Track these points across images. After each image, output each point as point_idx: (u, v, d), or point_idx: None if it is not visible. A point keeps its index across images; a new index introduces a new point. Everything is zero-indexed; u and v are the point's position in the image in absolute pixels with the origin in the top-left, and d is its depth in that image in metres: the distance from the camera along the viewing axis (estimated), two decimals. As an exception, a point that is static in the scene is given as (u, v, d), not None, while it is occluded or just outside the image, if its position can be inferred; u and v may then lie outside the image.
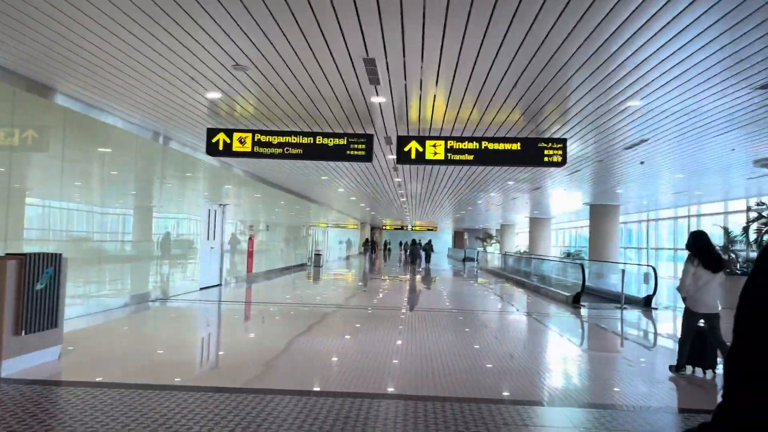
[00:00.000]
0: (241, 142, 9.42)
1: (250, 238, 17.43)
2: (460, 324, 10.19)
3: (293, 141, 9.39)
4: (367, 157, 9.43)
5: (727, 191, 18.49)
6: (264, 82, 7.43)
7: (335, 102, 8.31)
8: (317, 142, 9.39)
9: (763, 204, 13.50)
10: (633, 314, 12.05)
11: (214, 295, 13.21)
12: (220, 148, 9.47)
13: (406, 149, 9.42)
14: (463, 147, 9.36)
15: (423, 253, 38.38)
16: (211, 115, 9.48)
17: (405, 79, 7.01)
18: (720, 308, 6.24)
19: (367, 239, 47.72)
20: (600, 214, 23.13)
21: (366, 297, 14.52)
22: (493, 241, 49.01)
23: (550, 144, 9.28)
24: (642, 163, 12.24)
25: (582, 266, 12.74)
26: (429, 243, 39.78)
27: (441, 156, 9.39)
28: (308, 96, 8.06)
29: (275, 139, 9.40)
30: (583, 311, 12.33)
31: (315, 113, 9.02)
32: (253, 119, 9.61)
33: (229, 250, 16.13)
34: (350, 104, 8.42)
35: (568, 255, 30.47)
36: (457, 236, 63.52)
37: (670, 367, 6.51)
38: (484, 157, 9.34)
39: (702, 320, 6.28)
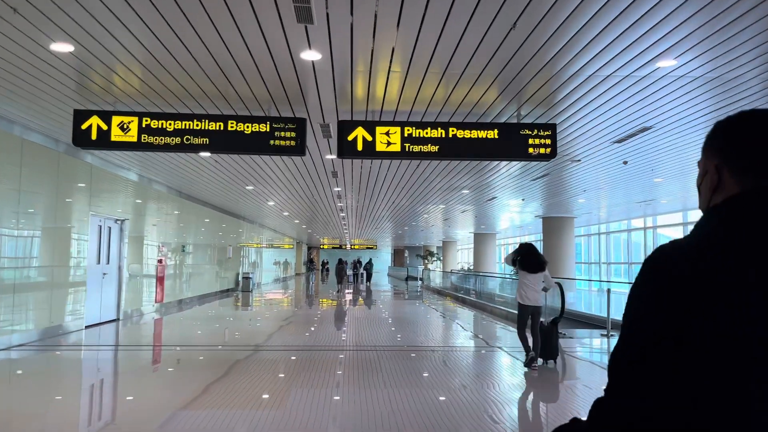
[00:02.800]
0: (124, 128, 6.86)
1: (159, 262, 14.57)
2: (414, 367, 7.87)
3: (197, 127, 6.91)
4: (299, 149, 7.06)
5: (686, 201, 17.27)
6: (152, 42, 4.97)
7: (253, 70, 5.93)
8: (229, 128, 6.95)
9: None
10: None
11: (96, 337, 10.34)
12: (93, 137, 6.86)
13: (350, 138, 7.11)
14: (425, 135, 7.15)
15: (364, 273, 36.87)
16: (79, 91, 6.87)
17: (351, 30, 4.73)
18: (542, 303, 7.70)
19: (311, 259, 45.41)
20: (553, 227, 21.62)
21: (295, 331, 12.00)
22: (434, 258, 47.31)
23: (535, 131, 7.21)
24: (625, 162, 10.42)
25: (561, 287, 10.77)
26: (369, 262, 38.07)
27: (396, 147, 7.13)
28: (215, 61, 5.65)
29: (171, 125, 6.89)
30: (567, 344, 10.29)
31: (225, 88, 6.60)
32: (140, 97, 7.07)
33: (135, 276, 13.29)
34: (274, 72, 6.06)
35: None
36: (397, 254, 61.61)
37: (524, 364, 7.60)
38: (451, 148, 7.15)
39: (550, 322, 7.86)
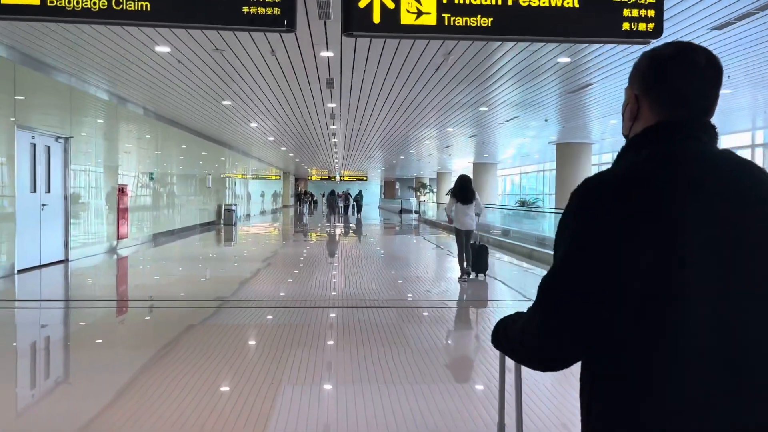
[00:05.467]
0: (17, -17, 4.47)
1: (121, 191, 12.28)
2: (429, 334, 5.87)
3: (130, -17, 4.54)
4: (286, 21, 4.73)
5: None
6: None
7: None
8: (180, -15, 4.58)
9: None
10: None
11: (23, 285, 8.16)
12: (-30, -5, 4.47)
13: (362, 4, 4.78)
14: (474, 1, 4.83)
15: (354, 204, 35.44)
16: None
17: None
18: (474, 227, 8.83)
19: (305, 191, 43.90)
20: (570, 154, 19.46)
21: (276, 277, 9.96)
22: (427, 190, 45.31)
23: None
24: (703, 65, 8.15)
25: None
26: (359, 193, 36.37)
27: (431, 18, 4.81)
28: None
29: (90, -22, 4.51)
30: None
31: None
32: (41, -63, 4.63)
33: (89, 208, 11.06)
34: None
35: (523, 204, 27.00)
36: (388, 186, 59.53)
37: (458, 278, 8.75)
38: (512, 21, 4.84)
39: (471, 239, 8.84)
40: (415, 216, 33.96)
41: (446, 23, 4.81)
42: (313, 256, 12.99)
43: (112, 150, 12.27)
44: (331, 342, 5.22)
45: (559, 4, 4.86)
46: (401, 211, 37.81)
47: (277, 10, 4.73)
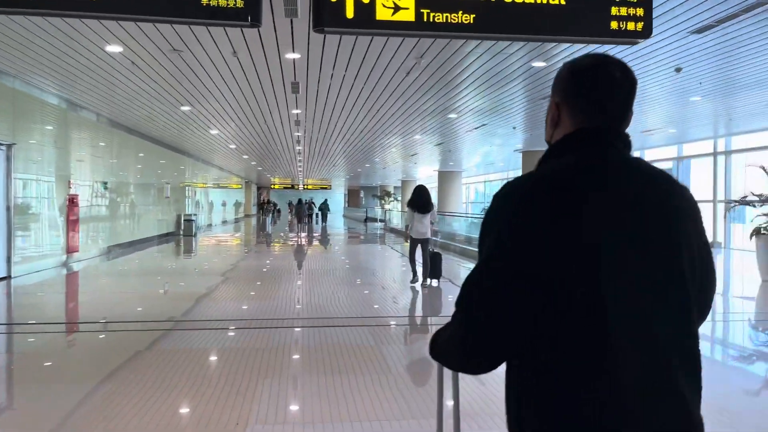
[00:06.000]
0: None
1: (71, 201, 11.54)
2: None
3: (72, -31, 4.04)
4: (250, 15, 4.30)
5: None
6: None
7: None
8: (131, -27, 4.12)
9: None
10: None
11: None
12: None
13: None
14: (455, -3, 4.49)
15: (319, 213, 35.17)
16: None
17: None
18: (429, 236, 8.98)
19: (269, 200, 43.40)
20: (535, 162, 19.36)
21: (235, 292, 9.46)
22: (391, 199, 45.04)
23: (621, -5, 4.65)
24: (678, 70, 8.03)
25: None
26: (325, 202, 36.12)
27: (408, 14, 4.44)
28: None
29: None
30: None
31: None
32: None
33: (36, 220, 10.33)
34: None
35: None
36: (352, 194, 59.06)
37: (410, 281, 9.21)
38: (495, 19, 4.52)
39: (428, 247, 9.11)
40: (380, 225, 33.62)
41: (425, 19, 4.46)
42: (277, 269, 12.47)
43: (64, 158, 11.54)
44: (301, 369, 4.77)
45: (544, 1, 4.56)
46: (366, 220, 37.40)
47: (240, 3, 4.32)
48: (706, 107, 11.49)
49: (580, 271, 1.08)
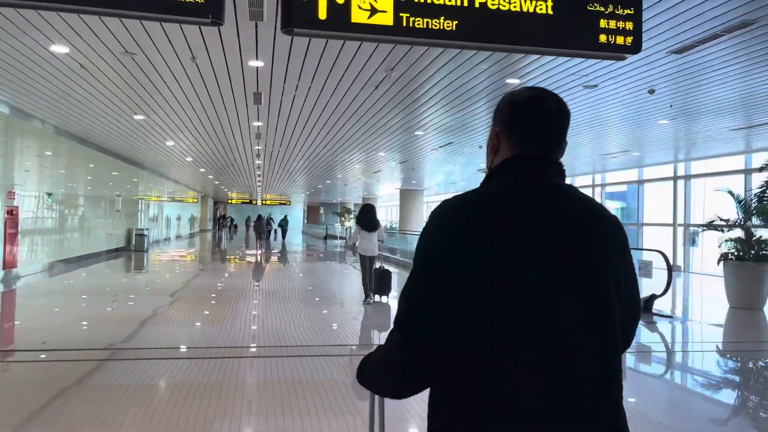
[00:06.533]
0: None
1: (9, 213, 10.71)
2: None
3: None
4: (211, 12, 3.87)
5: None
6: None
7: None
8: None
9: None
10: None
11: None
12: None
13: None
14: (437, 1, 4.15)
15: (279, 229, 34.54)
16: None
17: None
18: (377, 253, 9.21)
19: (224, 215, 42.67)
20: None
21: (184, 314, 8.86)
22: (351, 216, 44.63)
23: (610, 7, 4.40)
24: (651, 91, 7.91)
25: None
26: (284, 219, 35.68)
27: (387, 17, 4.07)
28: None
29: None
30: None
31: None
32: None
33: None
34: None
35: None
36: (312, 211, 58.35)
37: (363, 301, 9.07)
38: (478, 26, 4.19)
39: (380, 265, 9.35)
40: (340, 242, 33.11)
41: (405, 24, 4.09)
42: (232, 288, 11.85)
43: (7, 168, 10.74)
44: (260, 411, 4.27)
45: (531, 10, 4.27)
46: (326, 237, 36.83)
47: (198, -3, 3.89)
48: (671, 131, 11.51)
49: (499, 288, 1.13)
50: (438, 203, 1.28)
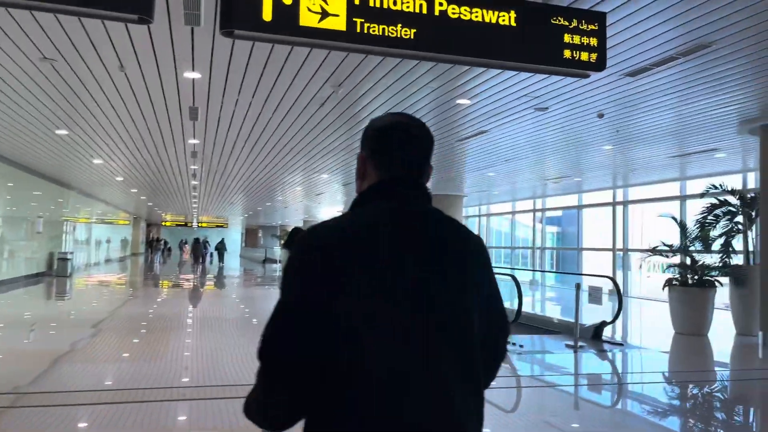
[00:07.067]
0: None
1: None
2: None
3: None
4: (138, 6, 3.39)
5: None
6: None
7: None
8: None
9: (717, 188, 10.08)
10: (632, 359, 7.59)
11: None
12: None
13: (248, -5, 3.55)
14: (394, 7, 3.81)
15: (215, 252, 33.43)
16: None
17: None
18: None
19: (157, 238, 41.29)
20: (443, 205, 19.13)
21: (108, 350, 8.10)
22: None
23: (574, 22, 4.18)
24: (601, 115, 7.85)
25: (515, 280, 8.03)
26: (222, 242, 34.67)
27: (339, 22, 3.70)
28: None
29: None
30: (523, 365, 7.50)
31: None
32: None
33: None
34: None
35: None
36: (250, 234, 56.95)
37: None
38: (436, 36, 3.89)
39: None
40: (280, 266, 32.25)
41: (358, 29, 3.76)
42: (163, 318, 11.00)
43: None
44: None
45: (493, 21, 4.01)
46: (265, 261, 35.87)
47: (124, -11, 3.41)
48: (613, 157, 11.62)
49: (356, 312, 1.16)
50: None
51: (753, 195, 9.67)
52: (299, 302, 1.18)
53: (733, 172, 12.39)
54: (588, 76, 4.35)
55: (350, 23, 3.73)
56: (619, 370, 7.27)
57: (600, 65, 4.22)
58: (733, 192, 9.84)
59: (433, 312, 1.20)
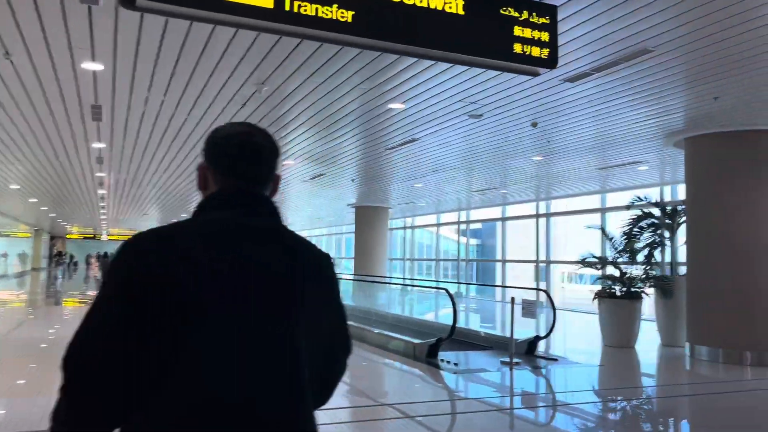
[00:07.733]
0: None
1: None
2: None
3: None
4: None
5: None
6: None
7: None
8: None
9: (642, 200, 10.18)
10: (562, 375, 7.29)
11: None
12: None
13: (154, -41, 2.95)
14: (328, -15, 3.32)
15: None
16: None
17: None
18: None
19: (61, 252, 38.84)
20: (368, 217, 18.94)
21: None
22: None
23: (525, 14, 3.84)
24: (534, 124, 7.67)
25: (450, 294, 7.64)
26: None
27: (267, 0, 3.17)
28: None
29: None
30: (460, 382, 7.08)
31: None
32: None
33: None
34: None
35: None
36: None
37: None
38: (376, 21, 3.44)
39: None
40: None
41: (288, 8, 3.23)
42: (64, 340, 9.88)
43: None
44: None
45: (439, 7, 3.60)
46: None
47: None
48: (540, 168, 11.60)
49: (171, 323, 1.12)
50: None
51: (674, 207, 9.82)
52: (103, 307, 1.16)
53: (651, 185, 12.69)
54: (538, 74, 4.03)
55: (279, 0, 3.21)
56: (561, 389, 7.01)
57: (552, 62, 3.89)
58: (657, 204, 9.97)
59: (254, 331, 1.17)
